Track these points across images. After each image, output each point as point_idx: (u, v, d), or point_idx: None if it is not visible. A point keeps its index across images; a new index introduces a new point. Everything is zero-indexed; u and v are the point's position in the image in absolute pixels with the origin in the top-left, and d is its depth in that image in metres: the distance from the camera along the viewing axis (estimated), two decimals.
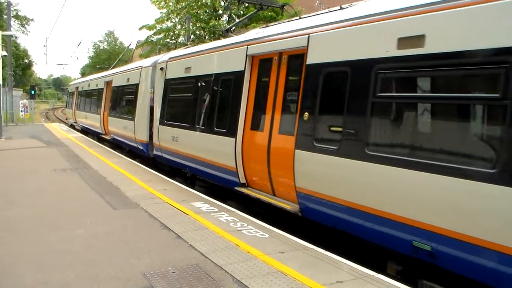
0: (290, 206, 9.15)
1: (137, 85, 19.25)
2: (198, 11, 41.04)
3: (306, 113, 8.61)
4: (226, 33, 15.79)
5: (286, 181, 9.16)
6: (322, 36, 8.69)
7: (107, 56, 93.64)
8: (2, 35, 32.11)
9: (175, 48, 36.77)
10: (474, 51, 5.83)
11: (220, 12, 41.69)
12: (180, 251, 7.28)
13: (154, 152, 16.78)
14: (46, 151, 20.65)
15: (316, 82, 8.52)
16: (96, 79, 31.18)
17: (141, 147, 18.24)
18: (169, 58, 16.26)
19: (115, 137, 22.99)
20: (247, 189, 10.81)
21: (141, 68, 19.29)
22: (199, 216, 9.35)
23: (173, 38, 44.75)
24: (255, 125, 10.62)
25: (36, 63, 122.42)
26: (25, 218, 9.26)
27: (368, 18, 7.68)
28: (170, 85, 15.63)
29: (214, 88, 12.53)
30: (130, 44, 59.36)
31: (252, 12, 20.49)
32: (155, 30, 44.87)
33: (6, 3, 47.69)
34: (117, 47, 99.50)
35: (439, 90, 6.69)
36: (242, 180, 10.97)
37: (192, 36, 41.15)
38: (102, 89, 26.93)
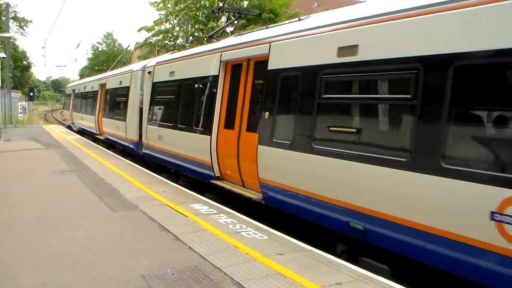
0: (255, 195, 10.36)
1: (128, 87, 20.52)
2: (197, 13, 41.05)
3: (267, 112, 9.85)
4: (209, 39, 17.08)
5: (252, 173, 10.31)
6: (280, 45, 9.94)
7: (106, 57, 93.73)
8: (1, 37, 32.15)
9: (173, 50, 36.82)
10: (398, 59, 6.93)
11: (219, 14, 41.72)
12: (179, 253, 7.27)
13: (143, 150, 17.99)
14: (45, 153, 20.63)
15: (275, 85, 9.78)
16: (92, 82, 32.54)
17: (131, 146, 19.58)
18: (156, 63, 17.57)
19: (109, 137, 24.30)
20: (221, 181, 12.02)
21: (131, 72, 20.47)
22: (198, 218, 9.35)
23: (172, 39, 44.78)
24: (228, 124, 11.81)
25: (34, 65, 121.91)
26: (23, 219, 9.26)
27: (316, 30, 8.93)
28: (157, 88, 16.99)
29: (194, 90, 13.82)
30: (128, 45, 59.30)
31: (230, 21, 22.45)
32: (153, 31, 44.96)
33: (4, 5, 47.69)
34: (115, 48, 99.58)
35: (369, 92, 8.04)
36: (217, 174, 12.19)
37: (190, 38, 41.15)
38: (97, 91, 28.17)
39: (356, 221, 7.39)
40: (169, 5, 42.18)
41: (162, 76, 16.59)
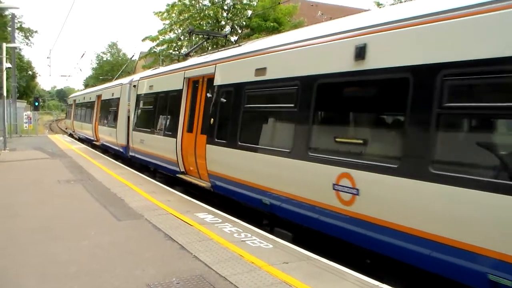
0: (205, 184, 13.00)
1: (118, 98, 23.40)
2: (201, 22, 41.20)
3: (212, 118, 12.60)
4: (185, 57, 20.39)
5: (204, 167, 12.86)
6: (221, 66, 12.78)
7: (110, 67, 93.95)
8: (7, 47, 32.30)
9: (178, 59, 36.96)
10: (287, 78, 9.65)
11: (223, 23, 41.86)
12: (184, 262, 7.27)
13: (130, 153, 20.78)
14: (50, 163, 20.69)
15: (218, 97, 12.60)
16: (89, 93, 36.27)
17: (121, 150, 22.35)
18: (140, 78, 20.81)
19: (104, 143, 27.15)
20: (185, 175, 14.69)
21: (121, 85, 23.51)
22: (203, 227, 9.35)
23: (176, 49, 44.91)
24: (189, 128, 14.58)
25: (39, 75, 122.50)
26: (29, 229, 9.27)
27: (243, 55, 11.79)
28: (140, 99, 20.17)
29: (166, 101, 16.78)
30: (133, 55, 59.58)
31: (200, 42, 26.99)
32: (158, 41, 45.06)
33: (10, 16, 47.95)
34: (120, 58, 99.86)
35: (273, 102, 10.71)
36: (182, 169, 14.88)
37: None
38: (94, 102, 31.14)
39: (266, 198, 9.99)
40: (173, 15, 42.35)
41: (143, 89, 19.78)
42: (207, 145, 12.58)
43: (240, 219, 10.30)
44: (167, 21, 43.45)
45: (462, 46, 6.10)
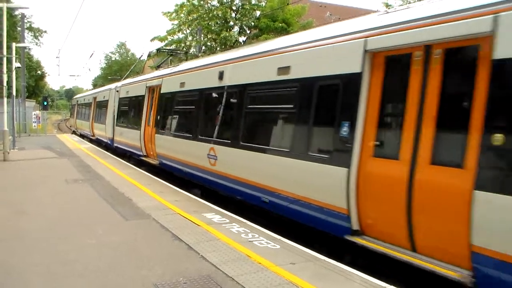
0: (155, 162, 18.41)
1: (107, 101, 29.27)
2: (209, 23, 41.20)
3: (158, 115, 18.14)
4: (157, 68, 25.26)
5: (155, 150, 18.40)
6: (165, 79, 18.13)
7: (119, 67, 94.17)
8: (16, 47, 32.42)
9: (186, 60, 37.02)
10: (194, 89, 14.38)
11: (232, 23, 41.86)
12: (191, 262, 7.27)
13: (115, 144, 26.13)
14: (58, 162, 20.76)
15: (162, 101, 18.13)
16: (88, 95, 42.86)
17: (109, 142, 27.96)
18: (122, 84, 26.87)
19: (98, 137, 33.09)
20: (146, 157, 19.82)
21: (110, 90, 29.69)
22: (211, 227, 9.34)
23: (185, 49, 44.93)
24: (147, 123, 19.58)
25: (48, 74, 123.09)
26: (36, 228, 9.31)
27: (174, 73, 17.34)
28: (121, 101, 25.51)
29: (137, 103, 21.71)
30: (142, 55, 59.67)
31: (165, 58, 31.31)
32: (166, 41, 45.06)
33: (20, 15, 48.17)
34: (128, 58, 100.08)
35: (189, 104, 15.80)
36: (144, 153, 19.99)
37: (203, 47, 41.29)
38: (91, 103, 37.11)
39: (186, 169, 14.99)
40: (182, 15, 42.35)
41: (123, 94, 25.38)
42: (156, 135, 18.14)
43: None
44: (176, 21, 43.49)
45: None
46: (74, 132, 47.51)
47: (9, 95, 27.81)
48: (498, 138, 5.71)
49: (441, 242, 6.56)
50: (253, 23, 41.79)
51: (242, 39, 42.69)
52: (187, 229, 9.21)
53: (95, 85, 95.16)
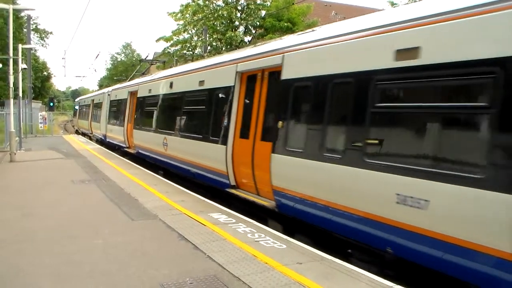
0: (133, 151, 23.33)
1: (102, 103, 34.30)
2: (215, 23, 41.23)
3: (136, 115, 22.66)
4: (141, 75, 31.02)
5: (126, 140, 24.30)
6: (141, 86, 22.33)
7: (125, 68, 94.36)
8: (22, 48, 32.56)
9: (192, 60, 37.10)
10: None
11: (237, 23, 41.86)
12: (198, 262, 7.27)
13: (107, 139, 30.96)
14: (65, 163, 20.82)
15: (139, 103, 22.31)
16: (87, 98, 48.50)
17: (103, 137, 32.78)
18: (112, 89, 32.16)
19: (95, 134, 37.53)
20: (129, 149, 24.41)
21: (103, 93, 35.08)
22: (217, 227, 9.35)
23: (190, 49, 44.97)
24: (130, 121, 24.10)
25: (54, 75, 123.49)
26: (43, 229, 9.34)
27: (148, 81, 21.82)
28: (111, 103, 30.43)
29: (122, 105, 26.63)
30: (147, 56, 59.82)
31: (144, 70, 37.43)
32: (172, 41, 45.14)
33: (26, 17, 48.35)
34: (134, 59, 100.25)
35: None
36: (127, 145, 24.81)
37: (209, 47, 41.30)
38: (90, 104, 42.33)
39: (153, 155, 19.39)
40: (187, 15, 42.44)
41: (112, 97, 30.27)
42: (133, 130, 23.36)
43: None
44: (181, 22, 43.58)
45: None
46: (76, 131, 53.16)
47: (16, 96, 27.93)
48: (281, 124, 9.98)
49: (265, 186, 10.68)
50: (258, 23, 41.83)
51: (247, 38, 42.74)
52: (193, 229, 9.22)
53: (101, 86, 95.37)
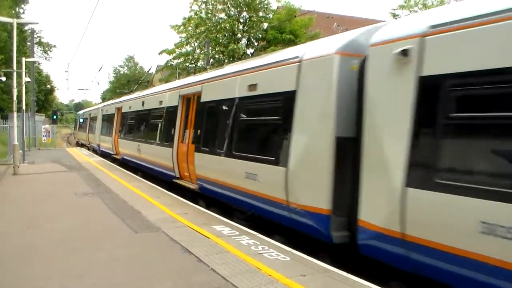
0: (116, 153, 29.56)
1: (96, 117, 38.69)
2: (217, 35, 41.34)
3: (122, 127, 27.94)
4: (130, 92, 38.12)
5: (114, 148, 29.52)
6: (124, 104, 28.36)
7: (127, 80, 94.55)
8: (26, 61, 32.72)
9: (194, 72, 37.24)
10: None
11: (239, 36, 41.95)
12: (201, 275, 7.26)
13: (100, 149, 35.21)
14: (68, 176, 20.86)
15: (122, 117, 28.07)
16: (86, 112, 54.09)
17: (97, 147, 37.06)
18: (104, 105, 38.67)
19: (92, 144, 41.33)
20: (115, 155, 29.11)
21: (98, 109, 40.39)
22: (220, 239, 9.33)
23: (193, 62, 45.08)
24: (118, 133, 28.45)
25: (58, 89, 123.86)
26: (47, 241, 9.34)
27: (127, 100, 28.97)
28: (103, 117, 35.22)
29: (109, 119, 31.96)
30: (150, 68, 60.07)
31: (135, 87, 42.48)
32: (174, 54, 45.23)
33: (30, 31, 48.60)
34: (137, 71, 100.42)
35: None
36: (114, 152, 29.39)
37: (211, 60, 41.39)
38: (87, 118, 47.33)
39: (128, 158, 25.45)
40: (190, 28, 42.59)
41: (104, 112, 35.37)
42: (119, 140, 28.23)
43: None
44: (184, 34, 43.73)
45: None
46: (77, 143, 57.98)
47: (19, 109, 28.02)
48: (199, 131, 14.56)
49: (191, 175, 14.97)
50: (260, 35, 41.96)
51: (250, 51, 42.85)
52: (196, 241, 9.21)
53: (103, 99, 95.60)
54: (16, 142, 23.00)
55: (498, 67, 5.70)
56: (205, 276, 7.20)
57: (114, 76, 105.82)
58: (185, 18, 42.73)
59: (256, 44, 43.67)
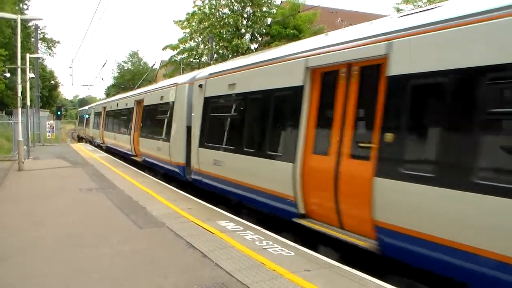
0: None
1: (100, 112, 39.62)
2: (221, 31, 41.29)
3: (105, 122, 35.72)
4: (117, 93, 47.78)
5: (101, 138, 37.63)
6: (108, 103, 36.37)
7: (131, 76, 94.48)
8: (30, 57, 32.74)
9: (198, 68, 37.22)
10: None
11: (243, 31, 41.88)
12: (206, 270, 7.27)
13: (106, 144, 35.06)
14: (72, 171, 20.91)
15: (108, 115, 35.46)
16: (88, 109, 54.53)
17: (100, 143, 38.12)
18: (95, 104, 46.83)
19: (95, 140, 42.36)
20: (101, 144, 36.99)
21: (91, 107, 46.24)
22: (225, 234, 9.34)
23: (197, 57, 45.04)
24: (102, 127, 36.39)
25: (62, 84, 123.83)
26: (52, 237, 9.37)
27: (119, 98, 34.11)
28: (95, 115, 40.62)
29: (99, 116, 38.98)
30: (154, 64, 60.09)
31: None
32: (178, 50, 45.21)
33: (33, 27, 48.66)
34: (141, 67, 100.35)
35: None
36: (101, 141, 36.69)
37: (215, 55, 41.34)
38: (90, 114, 47.87)
39: (115, 147, 30.96)
40: (193, 24, 42.55)
41: (95, 110, 41.02)
42: (104, 131, 36.93)
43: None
44: (187, 30, 43.71)
45: None
46: (78, 136, 63.21)
47: (24, 105, 28.08)
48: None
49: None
50: (264, 30, 41.90)
51: (253, 46, 42.79)
52: (201, 237, 9.22)
53: (107, 95, 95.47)
54: (20, 138, 23.08)
55: (226, 93, 13.07)
56: (209, 271, 7.21)
57: (118, 72, 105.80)
58: (188, 14, 42.73)
59: (260, 39, 43.63)
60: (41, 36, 61.63)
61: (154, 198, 13.62)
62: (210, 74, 14.33)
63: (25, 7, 58.06)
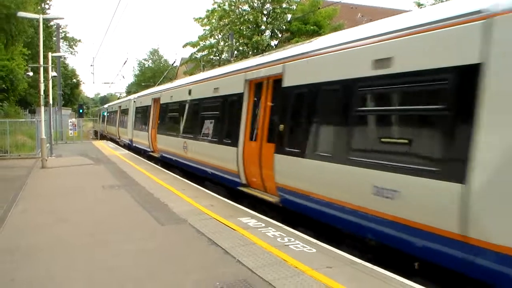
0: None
1: (102, 111, 58.01)
2: (241, 27, 41.25)
3: (120, 119, 41.84)
4: (127, 94, 64.07)
5: (118, 132, 43.84)
6: (118, 105, 45.51)
7: (152, 73, 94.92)
8: (52, 56, 33.08)
9: (219, 65, 37.25)
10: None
11: (263, 27, 41.79)
12: (228, 267, 7.29)
13: (109, 135, 48.77)
14: (95, 169, 21.10)
15: (122, 114, 42.04)
16: (103, 108, 64.54)
17: (105, 134, 52.20)
18: (107, 106, 59.76)
19: (109, 135, 49.06)
20: (115, 138, 45.54)
21: (103, 107, 62.08)
22: (247, 231, 9.36)
23: (217, 54, 45.06)
24: (120, 125, 41.42)
25: (83, 82, 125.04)
26: (76, 234, 9.47)
27: (117, 102, 49.02)
28: (109, 114, 51.32)
29: (114, 115, 46.18)
30: (174, 61, 60.39)
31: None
32: (198, 47, 45.27)
33: (55, 26, 49.13)
34: (161, 64, 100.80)
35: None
36: (118, 137, 42.76)
37: (235, 52, 41.31)
38: (105, 112, 55.98)
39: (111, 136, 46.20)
40: (213, 21, 42.59)
41: (109, 110, 50.61)
42: (119, 128, 42.15)
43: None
44: (207, 27, 43.77)
45: None
46: (95, 132, 68.65)
47: (46, 104, 28.37)
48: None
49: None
50: (284, 27, 41.78)
51: (274, 42, 42.70)
52: (223, 233, 9.25)
53: (128, 92, 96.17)
54: (43, 136, 23.31)
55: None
56: (231, 268, 7.23)
57: (139, 70, 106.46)
58: (208, 11, 42.76)
59: (280, 35, 43.52)
60: (63, 35, 62.21)
61: (176, 195, 13.67)
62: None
63: (46, 6, 58.48)
